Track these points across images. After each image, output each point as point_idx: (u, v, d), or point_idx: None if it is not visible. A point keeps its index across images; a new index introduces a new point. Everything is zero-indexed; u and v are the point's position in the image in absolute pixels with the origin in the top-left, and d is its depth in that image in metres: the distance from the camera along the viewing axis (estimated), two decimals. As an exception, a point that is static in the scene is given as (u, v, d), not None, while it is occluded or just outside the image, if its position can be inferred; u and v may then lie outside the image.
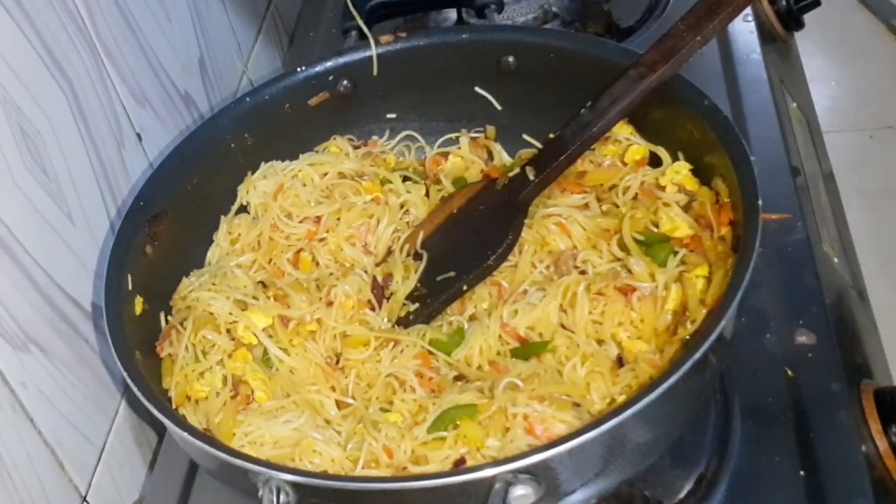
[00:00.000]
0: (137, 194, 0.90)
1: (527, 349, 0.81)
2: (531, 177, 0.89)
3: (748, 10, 1.19)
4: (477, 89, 1.01)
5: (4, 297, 0.76)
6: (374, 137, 1.05)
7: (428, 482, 0.64)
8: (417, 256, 0.91)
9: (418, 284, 0.89)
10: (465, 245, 0.90)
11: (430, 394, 0.80)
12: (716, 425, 0.81)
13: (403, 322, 0.87)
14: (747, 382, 0.83)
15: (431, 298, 0.87)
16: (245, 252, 0.95)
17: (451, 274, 0.88)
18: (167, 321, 0.88)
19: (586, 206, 0.89)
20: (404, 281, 0.89)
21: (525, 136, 1.01)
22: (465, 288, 0.87)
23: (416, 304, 0.88)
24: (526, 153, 1.00)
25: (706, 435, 0.81)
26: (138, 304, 0.85)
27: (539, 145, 1.00)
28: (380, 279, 0.91)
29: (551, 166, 0.88)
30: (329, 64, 1.00)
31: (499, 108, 1.02)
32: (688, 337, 0.75)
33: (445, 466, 0.72)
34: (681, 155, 0.87)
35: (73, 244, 0.87)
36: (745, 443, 0.79)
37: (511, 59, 0.98)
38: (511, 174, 0.92)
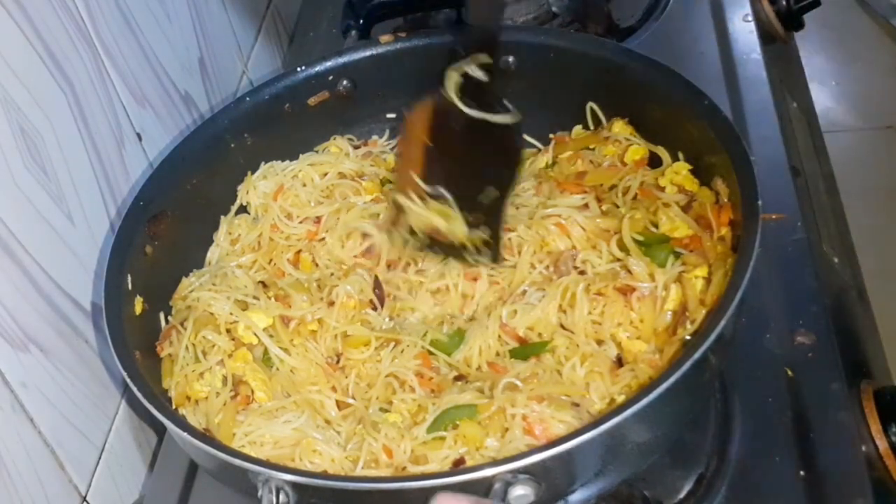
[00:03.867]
0: (137, 194, 0.90)
1: (526, 349, 0.81)
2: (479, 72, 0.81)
3: (748, 10, 1.19)
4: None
5: (4, 297, 0.76)
6: (375, 137, 1.05)
7: (428, 482, 0.64)
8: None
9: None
10: (471, 161, 0.85)
11: (429, 394, 0.80)
12: (716, 425, 0.81)
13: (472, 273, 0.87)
14: (747, 382, 0.83)
15: (490, 228, 0.84)
16: (245, 252, 0.95)
17: (494, 191, 0.84)
18: (167, 321, 0.88)
19: (586, 206, 0.89)
20: (452, 221, 0.85)
21: (525, 136, 1.01)
22: (505, 200, 0.85)
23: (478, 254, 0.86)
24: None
25: (706, 435, 0.81)
26: (138, 304, 0.85)
27: (539, 145, 1.00)
28: (381, 273, 0.90)
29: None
30: (329, 64, 1.01)
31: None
32: (688, 337, 0.75)
33: (445, 466, 0.72)
34: (681, 155, 0.87)
35: (73, 244, 0.87)
36: (745, 443, 0.79)
37: (511, 58, 0.98)
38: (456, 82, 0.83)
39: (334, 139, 1.03)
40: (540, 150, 0.99)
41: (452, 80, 0.82)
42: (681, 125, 0.86)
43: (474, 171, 0.85)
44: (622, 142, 0.92)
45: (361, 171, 0.99)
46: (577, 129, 0.98)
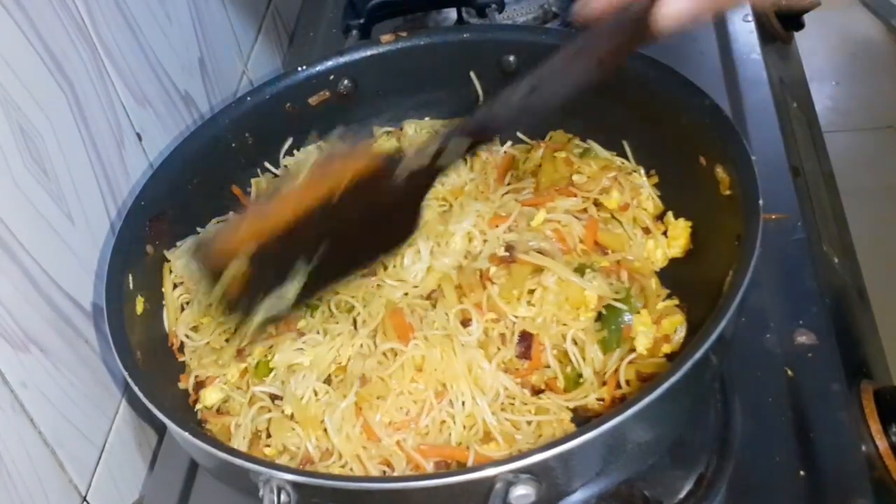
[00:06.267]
0: (139, 194, 0.90)
1: None
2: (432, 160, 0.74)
3: (748, 9, 1.19)
4: (471, 75, 1.01)
5: (4, 298, 0.76)
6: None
7: (428, 482, 0.64)
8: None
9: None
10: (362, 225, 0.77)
11: None
12: (716, 425, 0.81)
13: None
14: (747, 382, 0.83)
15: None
16: None
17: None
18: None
19: (584, 210, 0.89)
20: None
21: (519, 135, 1.01)
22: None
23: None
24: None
25: (706, 435, 0.81)
26: (139, 304, 0.85)
27: (530, 142, 1.00)
28: None
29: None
30: (330, 63, 1.01)
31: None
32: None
33: None
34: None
35: (74, 244, 0.86)
36: (745, 443, 0.79)
37: (512, 58, 0.98)
38: (414, 168, 0.75)
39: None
40: (532, 145, 0.99)
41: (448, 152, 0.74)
42: (681, 125, 0.86)
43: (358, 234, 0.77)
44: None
45: None
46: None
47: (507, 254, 0.85)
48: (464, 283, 0.84)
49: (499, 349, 0.81)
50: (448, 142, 0.73)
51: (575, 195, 0.90)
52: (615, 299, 0.81)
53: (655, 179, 0.93)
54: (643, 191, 0.91)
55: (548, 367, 0.80)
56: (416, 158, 0.74)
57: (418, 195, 0.77)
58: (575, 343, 0.80)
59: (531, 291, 0.83)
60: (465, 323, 0.82)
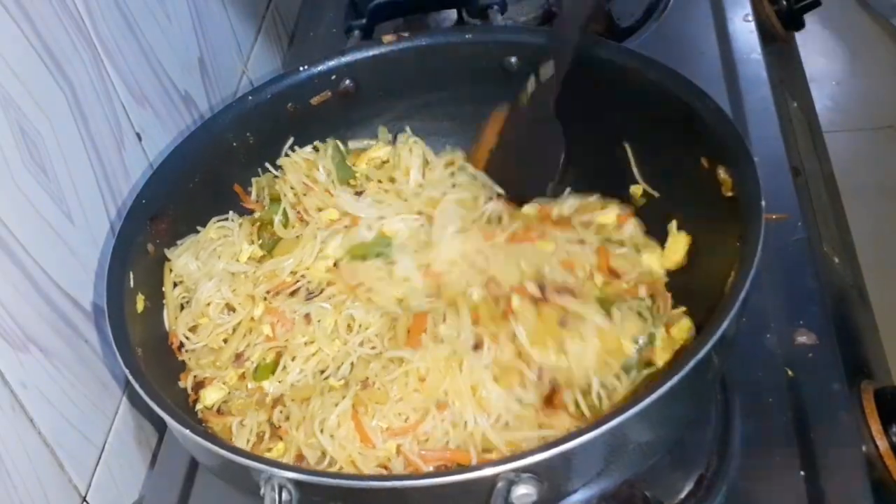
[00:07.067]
0: (140, 192, 0.90)
1: None
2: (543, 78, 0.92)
3: (748, 9, 1.20)
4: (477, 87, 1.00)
5: (4, 298, 0.76)
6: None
7: (430, 481, 0.64)
8: None
9: None
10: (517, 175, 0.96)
11: None
12: (716, 425, 0.81)
13: None
14: (748, 383, 0.83)
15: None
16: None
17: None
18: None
19: (582, 241, 0.87)
20: None
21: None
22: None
23: None
24: None
25: (706, 435, 0.81)
26: (140, 302, 0.85)
27: None
28: None
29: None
30: (331, 63, 1.01)
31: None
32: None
33: None
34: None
35: (73, 244, 0.86)
36: (745, 443, 0.79)
37: (513, 59, 0.98)
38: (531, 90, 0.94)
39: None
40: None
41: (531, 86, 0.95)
42: (683, 126, 0.86)
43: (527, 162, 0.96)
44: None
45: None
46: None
47: (539, 294, 0.80)
48: (483, 310, 0.81)
49: (520, 387, 0.77)
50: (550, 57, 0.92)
51: (572, 227, 0.89)
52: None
53: (640, 191, 0.92)
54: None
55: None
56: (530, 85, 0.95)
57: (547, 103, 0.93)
58: (604, 386, 0.76)
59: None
60: (477, 346, 0.79)
